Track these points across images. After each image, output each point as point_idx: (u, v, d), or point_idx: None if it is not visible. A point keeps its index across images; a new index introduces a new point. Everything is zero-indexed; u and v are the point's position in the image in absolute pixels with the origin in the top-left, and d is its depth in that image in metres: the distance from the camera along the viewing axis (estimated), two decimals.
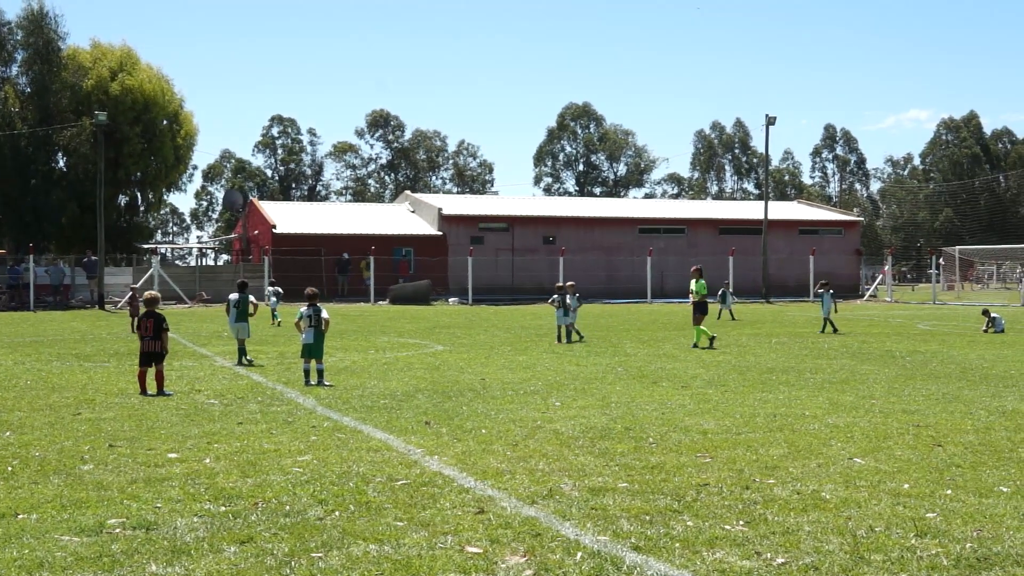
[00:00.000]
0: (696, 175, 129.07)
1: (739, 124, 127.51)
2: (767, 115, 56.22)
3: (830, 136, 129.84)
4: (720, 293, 36.38)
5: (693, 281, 23.70)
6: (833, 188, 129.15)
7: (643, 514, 7.31)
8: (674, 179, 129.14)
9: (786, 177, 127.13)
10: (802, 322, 34.12)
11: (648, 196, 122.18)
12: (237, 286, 19.51)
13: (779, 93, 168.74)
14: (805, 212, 68.69)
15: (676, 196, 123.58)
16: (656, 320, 35.38)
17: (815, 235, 62.99)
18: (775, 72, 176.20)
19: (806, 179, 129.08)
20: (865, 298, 57.88)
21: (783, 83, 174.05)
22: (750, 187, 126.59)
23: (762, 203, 62.17)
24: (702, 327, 23.38)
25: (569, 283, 25.71)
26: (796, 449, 9.87)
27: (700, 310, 23.42)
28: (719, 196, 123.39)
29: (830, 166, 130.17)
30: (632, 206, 73.01)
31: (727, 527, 6.97)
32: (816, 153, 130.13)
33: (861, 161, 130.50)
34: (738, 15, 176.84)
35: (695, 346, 22.78)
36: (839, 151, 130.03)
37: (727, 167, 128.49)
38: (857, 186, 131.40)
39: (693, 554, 6.36)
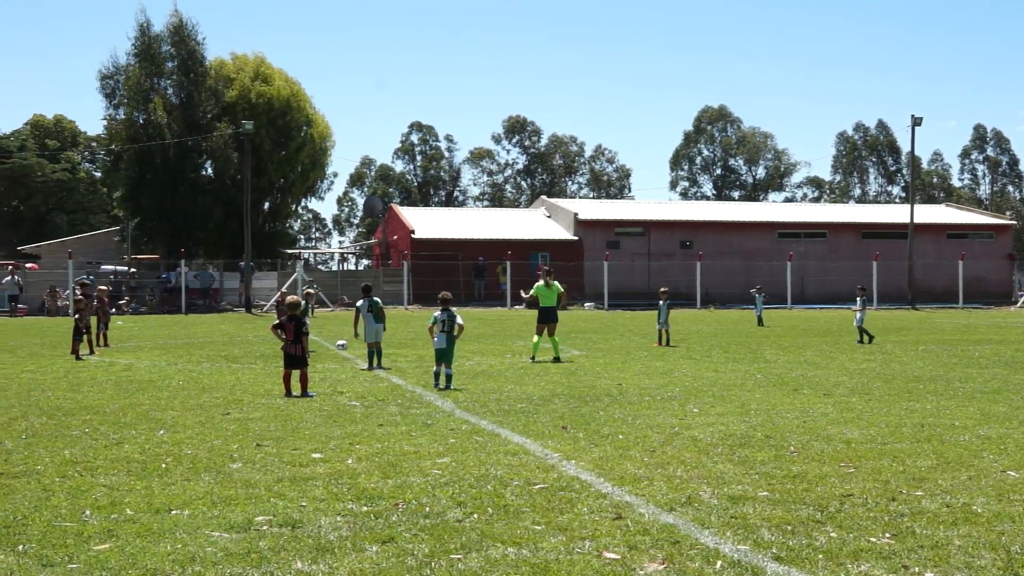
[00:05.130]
0: (838, 178, 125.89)
1: (883, 125, 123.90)
2: (912, 116, 54.65)
3: (980, 137, 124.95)
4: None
5: (543, 285, 21.16)
6: (984, 191, 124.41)
7: (784, 524, 7.17)
8: (815, 182, 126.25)
9: (934, 180, 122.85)
10: (950, 329, 32.99)
11: (788, 200, 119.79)
12: (363, 290, 19.65)
13: (925, 94, 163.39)
14: (953, 215, 66.37)
15: (817, 200, 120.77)
16: (796, 326, 34.69)
17: (964, 239, 60.82)
18: (920, 72, 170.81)
19: (955, 181, 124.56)
20: (1020, 304, 55.57)
21: (929, 84, 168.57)
22: (895, 190, 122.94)
23: (907, 206, 60.34)
24: (555, 337, 20.86)
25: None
26: (945, 460, 9.54)
27: (548, 317, 20.86)
28: (862, 199, 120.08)
29: (980, 168, 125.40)
30: (771, 210, 71.77)
31: (872, 539, 6.78)
32: (965, 154, 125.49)
33: (1014, 162, 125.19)
34: (882, 15, 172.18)
35: (554, 359, 20.42)
36: (990, 152, 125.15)
37: (871, 170, 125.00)
38: (1010, 188, 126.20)
39: (837, 566, 6.21)
